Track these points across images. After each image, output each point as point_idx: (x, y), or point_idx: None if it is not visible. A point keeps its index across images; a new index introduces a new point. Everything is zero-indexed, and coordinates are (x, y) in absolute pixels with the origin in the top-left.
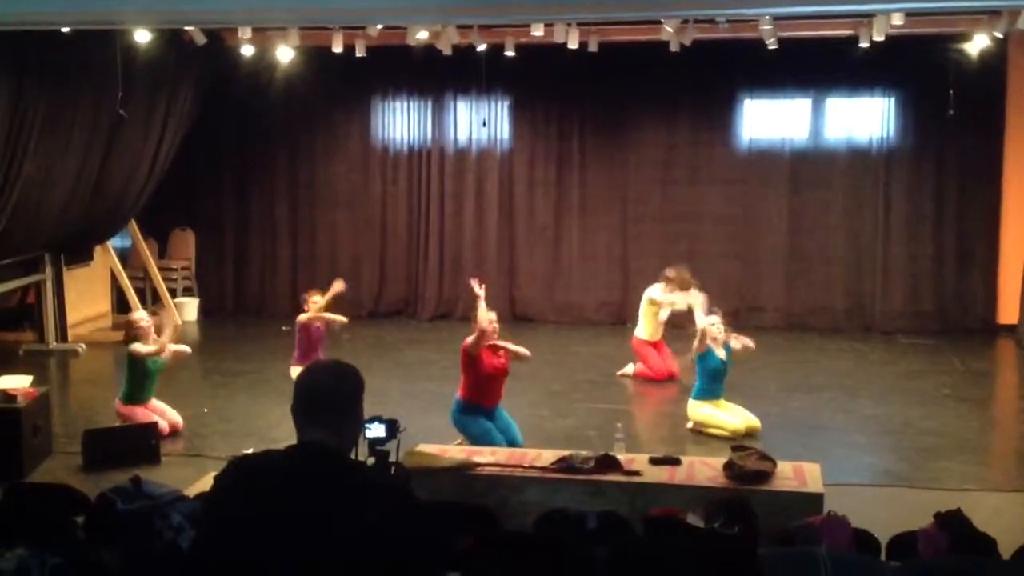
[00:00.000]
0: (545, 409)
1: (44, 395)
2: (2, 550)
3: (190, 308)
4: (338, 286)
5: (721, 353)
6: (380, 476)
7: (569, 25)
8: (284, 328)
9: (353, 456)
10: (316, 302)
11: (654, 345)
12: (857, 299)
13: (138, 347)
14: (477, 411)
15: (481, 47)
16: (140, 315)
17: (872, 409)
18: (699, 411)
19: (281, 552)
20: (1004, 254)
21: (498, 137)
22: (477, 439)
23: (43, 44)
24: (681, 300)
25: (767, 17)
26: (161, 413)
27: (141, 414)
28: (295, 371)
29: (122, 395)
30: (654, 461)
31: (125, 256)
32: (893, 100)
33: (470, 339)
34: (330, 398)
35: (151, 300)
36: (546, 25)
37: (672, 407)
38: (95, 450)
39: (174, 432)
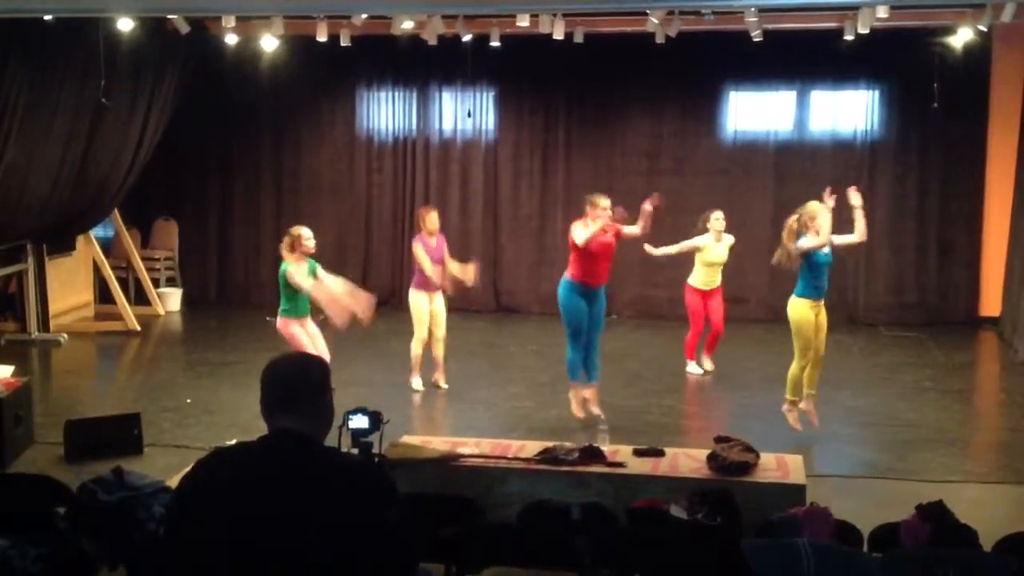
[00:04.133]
0: (530, 400)
1: (26, 385)
2: None
3: (173, 298)
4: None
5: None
6: (351, 458)
7: (555, 16)
8: (268, 319)
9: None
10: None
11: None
12: (840, 291)
13: (292, 273)
14: (579, 290)
15: (466, 37)
16: (307, 233)
17: (854, 401)
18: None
19: (252, 539)
20: (986, 247)
21: (483, 127)
22: (569, 317)
23: (25, 32)
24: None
25: (752, 9)
26: (312, 339)
27: (299, 337)
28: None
29: (280, 311)
30: (638, 452)
31: (108, 246)
32: (877, 93)
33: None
34: (294, 389)
35: (134, 290)
36: (532, 15)
37: (656, 399)
38: (77, 440)
39: None
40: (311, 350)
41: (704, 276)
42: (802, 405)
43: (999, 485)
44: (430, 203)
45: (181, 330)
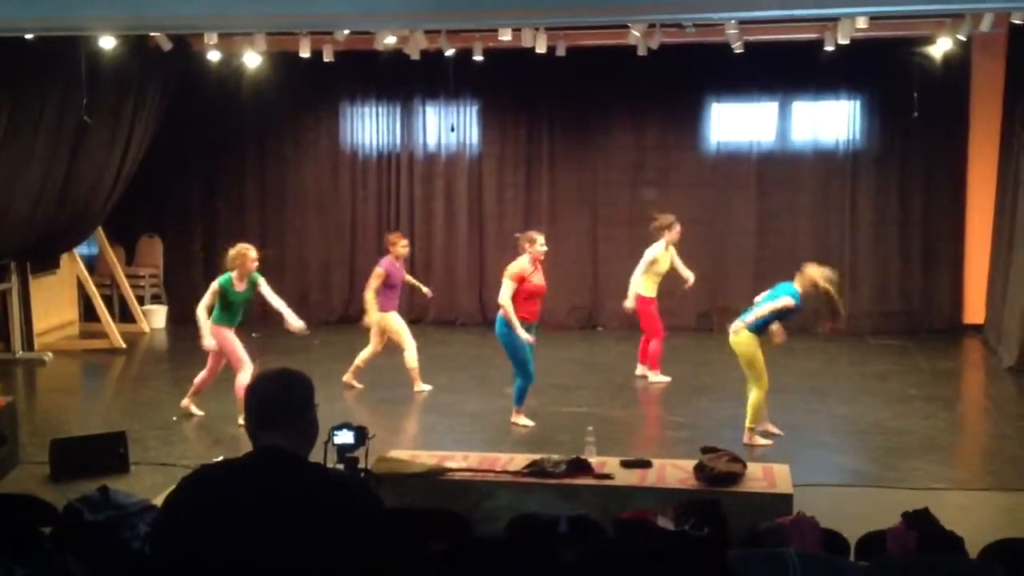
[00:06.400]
0: None
1: (11, 404)
2: None
3: (158, 315)
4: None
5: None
6: (336, 474)
7: (537, 30)
8: (253, 335)
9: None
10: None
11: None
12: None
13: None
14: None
15: (449, 52)
16: (250, 249)
17: (840, 409)
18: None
19: (240, 555)
20: (969, 254)
21: (467, 141)
22: (517, 352)
23: (5, 50)
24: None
25: (733, 21)
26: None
27: (226, 338)
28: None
29: (213, 317)
30: (625, 464)
31: (92, 264)
32: (858, 103)
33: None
34: (280, 405)
35: (119, 308)
36: (514, 30)
37: (643, 410)
38: (63, 460)
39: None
40: (243, 354)
41: (654, 284)
42: (767, 427)
43: (985, 492)
44: (400, 227)
45: (166, 347)
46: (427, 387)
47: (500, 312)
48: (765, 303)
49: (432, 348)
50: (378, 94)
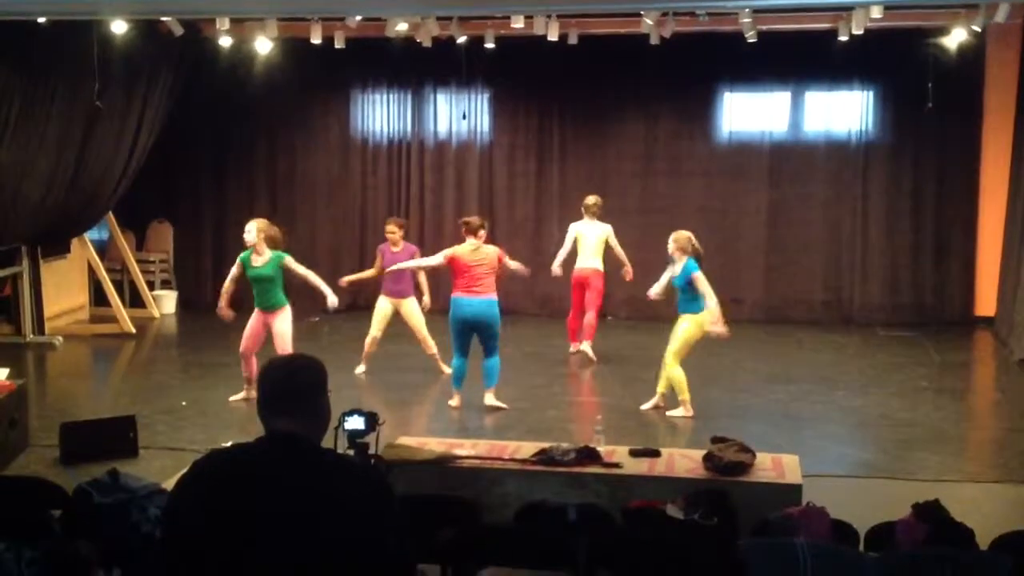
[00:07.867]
0: (525, 402)
1: (21, 388)
2: None
3: (168, 301)
4: None
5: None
6: (347, 459)
7: (549, 17)
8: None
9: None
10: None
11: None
12: (836, 291)
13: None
14: None
15: (461, 39)
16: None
17: (850, 401)
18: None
19: (250, 539)
20: (981, 247)
21: (478, 129)
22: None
23: (18, 34)
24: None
25: (747, 10)
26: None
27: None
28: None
29: (283, 301)
30: (634, 453)
31: (102, 249)
32: (872, 94)
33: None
34: (290, 390)
35: (129, 293)
36: (526, 17)
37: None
38: (72, 443)
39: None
40: (244, 338)
41: (577, 259)
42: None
43: (995, 484)
44: (410, 215)
45: (176, 332)
46: (361, 369)
47: (492, 295)
48: (704, 286)
49: (440, 337)
50: (389, 81)
